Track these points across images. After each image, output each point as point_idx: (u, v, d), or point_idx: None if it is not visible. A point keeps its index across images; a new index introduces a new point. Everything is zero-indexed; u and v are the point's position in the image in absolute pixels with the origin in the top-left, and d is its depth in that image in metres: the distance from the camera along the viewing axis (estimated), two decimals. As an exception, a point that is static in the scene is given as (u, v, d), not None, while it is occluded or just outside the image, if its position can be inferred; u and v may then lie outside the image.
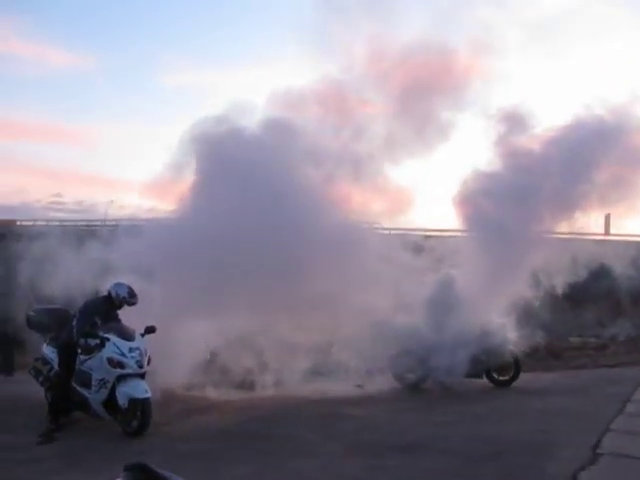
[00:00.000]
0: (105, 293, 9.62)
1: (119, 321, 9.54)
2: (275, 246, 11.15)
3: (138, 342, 8.99)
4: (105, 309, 9.42)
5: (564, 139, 12.90)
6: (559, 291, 12.66)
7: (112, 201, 28.90)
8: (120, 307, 9.56)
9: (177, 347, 10.76)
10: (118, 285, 9.50)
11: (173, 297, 11.02)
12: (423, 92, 13.37)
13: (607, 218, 21.31)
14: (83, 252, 11.72)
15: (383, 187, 13.30)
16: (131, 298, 9.49)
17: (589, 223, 13.82)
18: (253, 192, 11.63)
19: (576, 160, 12.53)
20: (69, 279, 10.85)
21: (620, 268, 13.34)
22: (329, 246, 11.73)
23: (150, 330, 9.22)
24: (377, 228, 13.90)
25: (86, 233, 15.57)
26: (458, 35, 13.48)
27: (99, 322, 9.25)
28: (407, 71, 13.62)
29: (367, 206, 13.44)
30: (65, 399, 9.22)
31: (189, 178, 12.76)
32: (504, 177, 12.84)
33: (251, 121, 12.94)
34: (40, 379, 10.09)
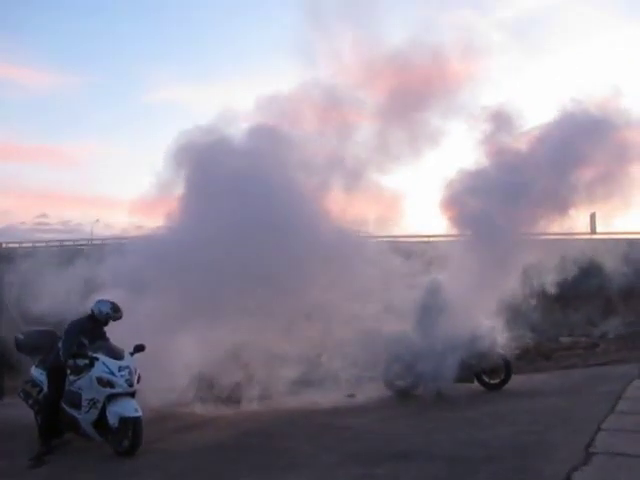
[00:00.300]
0: (89, 312, 9.54)
1: (107, 339, 9.47)
2: (267, 257, 11.16)
3: (127, 361, 8.93)
4: (90, 328, 9.35)
5: (551, 135, 12.97)
6: (548, 291, 12.70)
7: (97, 220, 29.04)
8: (106, 324, 9.50)
9: (167, 363, 10.72)
10: (100, 302, 9.45)
11: (164, 311, 11.01)
12: (411, 97, 13.44)
13: (592, 217, 21.44)
14: (71, 271, 11.67)
15: (375, 195, 13.34)
16: (115, 313, 9.43)
17: (576, 222, 13.90)
18: (244, 203, 11.62)
19: (563, 155, 12.58)
20: (57, 300, 10.80)
21: (611, 265, 13.42)
22: (320, 255, 11.75)
23: (139, 349, 9.18)
24: (369, 236, 13.89)
25: (73, 253, 15.44)
26: (440, 38, 13.53)
27: (86, 342, 9.17)
28: (394, 77, 13.70)
29: (360, 215, 13.47)
30: (55, 421, 9.13)
31: (178, 191, 12.77)
32: (491, 175, 12.89)
33: (239, 130, 13.06)
34: (30, 402, 9.99)
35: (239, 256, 11.12)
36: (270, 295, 11.32)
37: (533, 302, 12.47)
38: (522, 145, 13.31)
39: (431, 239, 17.27)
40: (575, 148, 12.64)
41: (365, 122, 13.79)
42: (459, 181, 13.11)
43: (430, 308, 11.91)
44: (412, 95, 13.47)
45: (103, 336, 9.49)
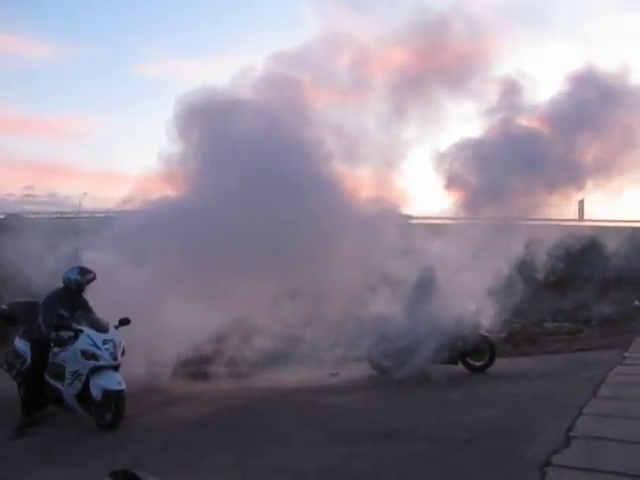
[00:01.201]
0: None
1: (88, 308, 9.42)
2: (279, 220, 11.16)
3: (112, 334, 8.90)
4: (68, 298, 9.30)
5: (562, 103, 12.93)
6: (535, 276, 12.75)
7: (85, 193, 28.65)
8: (80, 290, 9.44)
9: (158, 334, 10.68)
10: (68, 271, 9.41)
11: (163, 280, 10.93)
12: (422, 77, 13.30)
13: (581, 204, 21.61)
14: (61, 244, 11.55)
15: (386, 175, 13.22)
16: (84, 276, 9.38)
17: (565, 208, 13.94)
18: (257, 165, 11.52)
19: (575, 123, 12.51)
20: (49, 271, 10.71)
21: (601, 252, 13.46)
22: (333, 223, 11.71)
23: (124, 322, 9.15)
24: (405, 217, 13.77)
25: (64, 225, 15.25)
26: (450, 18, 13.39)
27: (66, 313, 9.12)
28: (404, 56, 13.54)
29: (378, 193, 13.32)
30: (38, 393, 9.11)
31: (186, 159, 12.56)
32: (499, 145, 12.80)
33: (249, 90, 12.80)
34: (13, 373, 9.96)
35: (251, 218, 11.06)
36: (274, 259, 11.24)
37: (520, 286, 12.49)
38: (534, 115, 13.17)
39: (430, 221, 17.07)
40: (587, 115, 12.54)
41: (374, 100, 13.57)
42: (463, 150, 13.03)
43: (421, 293, 11.90)
44: (421, 74, 13.30)
45: (84, 305, 9.46)
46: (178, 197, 12.44)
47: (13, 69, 70.24)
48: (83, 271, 9.42)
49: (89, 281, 9.45)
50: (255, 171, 11.55)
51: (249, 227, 11.09)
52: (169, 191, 12.85)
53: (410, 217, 14.13)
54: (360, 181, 13.34)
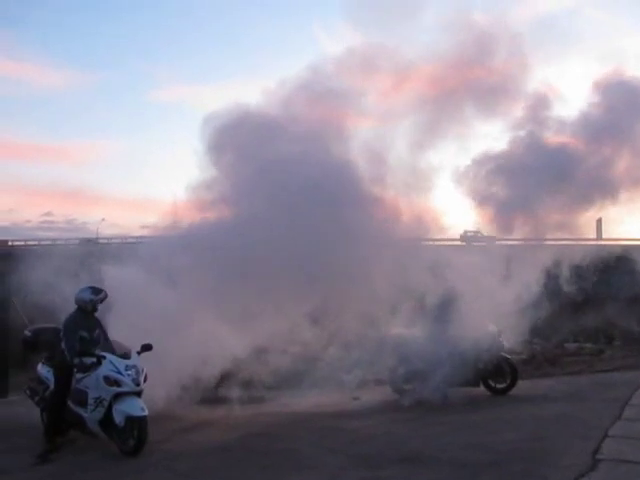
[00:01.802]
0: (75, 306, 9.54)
1: (102, 327, 9.52)
2: (315, 250, 11.17)
3: (134, 360, 8.94)
4: (84, 320, 9.37)
5: (592, 113, 12.83)
6: (556, 296, 12.66)
7: (103, 219, 28.94)
8: (94, 310, 9.49)
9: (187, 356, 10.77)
10: (80, 292, 9.46)
11: (201, 301, 11.00)
12: (457, 96, 13.23)
13: (599, 222, 21.44)
14: (82, 269, 11.61)
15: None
16: (97, 295, 9.43)
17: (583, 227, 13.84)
18: (295, 191, 11.50)
19: (607, 131, 12.48)
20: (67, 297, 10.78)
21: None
22: (365, 253, 11.67)
23: (146, 348, 9.18)
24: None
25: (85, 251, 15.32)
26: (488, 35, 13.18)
27: (86, 335, 9.21)
28: (439, 74, 13.44)
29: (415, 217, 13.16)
30: (61, 419, 9.16)
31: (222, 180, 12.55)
32: (526, 158, 12.68)
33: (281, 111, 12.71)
34: (36, 399, 10.03)
35: (287, 240, 11.09)
36: (310, 281, 11.26)
37: (541, 307, 12.40)
38: (563, 128, 13.12)
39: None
40: (617, 125, 12.47)
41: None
42: (491, 165, 12.89)
43: (442, 314, 11.86)
44: (455, 95, 13.24)
45: (99, 325, 9.53)
46: (213, 220, 12.47)
47: (29, 96, 71.40)
48: (95, 290, 9.49)
49: (102, 300, 9.52)
50: (291, 193, 11.59)
51: (285, 248, 11.13)
52: (201, 215, 12.85)
53: (494, 238, 13.95)
54: (395, 203, 13.25)
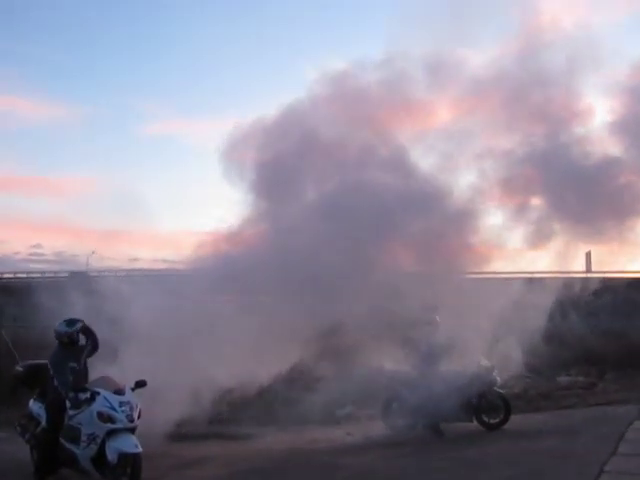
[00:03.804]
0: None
1: (84, 360, 9.44)
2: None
3: (128, 396, 8.85)
4: (70, 352, 9.31)
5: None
6: (546, 330, 12.67)
7: (93, 252, 28.76)
8: (75, 342, 9.42)
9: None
10: (57, 325, 9.43)
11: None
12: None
13: (588, 255, 21.61)
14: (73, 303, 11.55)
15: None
16: (71, 327, 9.36)
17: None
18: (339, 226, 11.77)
19: None
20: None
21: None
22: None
23: (140, 384, 9.11)
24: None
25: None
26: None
27: (76, 365, 9.18)
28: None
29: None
30: (53, 457, 9.03)
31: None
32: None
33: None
34: (27, 436, 9.85)
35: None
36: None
37: (530, 341, 12.41)
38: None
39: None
40: None
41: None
42: None
43: (431, 348, 11.87)
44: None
45: (82, 356, 9.46)
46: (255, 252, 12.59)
47: (19, 130, 71.40)
48: (70, 322, 9.43)
49: (78, 331, 9.44)
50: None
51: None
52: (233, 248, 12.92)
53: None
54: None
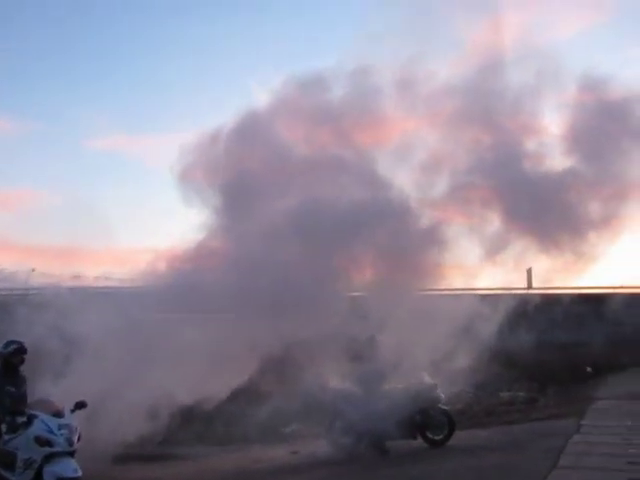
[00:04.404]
0: None
1: (24, 384, 9.13)
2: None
3: (68, 419, 8.55)
4: (9, 376, 9.01)
5: None
6: (487, 346, 12.83)
7: (33, 269, 27.91)
8: (18, 362, 9.10)
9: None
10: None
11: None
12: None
13: (529, 272, 22.06)
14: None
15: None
16: (4, 349, 9.05)
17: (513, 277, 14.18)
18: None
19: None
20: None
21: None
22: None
23: (80, 405, 8.84)
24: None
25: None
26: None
27: (14, 390, 8.84)
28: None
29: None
30: (-15, 484, 8.68)
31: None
32: None
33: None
34: (-42, 462, 9.46)
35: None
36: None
37: (473, 357, 12.55)
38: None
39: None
40: None
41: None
42: None
43: (369, 365, 11.89)
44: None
45: (24, 381, 9.14)
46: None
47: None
48: (7, 344, 9.13)
49: (12, 353, 9.11)
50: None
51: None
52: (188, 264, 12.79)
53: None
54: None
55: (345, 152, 13.24)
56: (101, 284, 14.64)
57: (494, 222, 13.26)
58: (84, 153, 69.48)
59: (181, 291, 11.67)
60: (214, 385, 11.30)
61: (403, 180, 13.24)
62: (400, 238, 12.66)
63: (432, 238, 12.92)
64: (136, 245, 37.16)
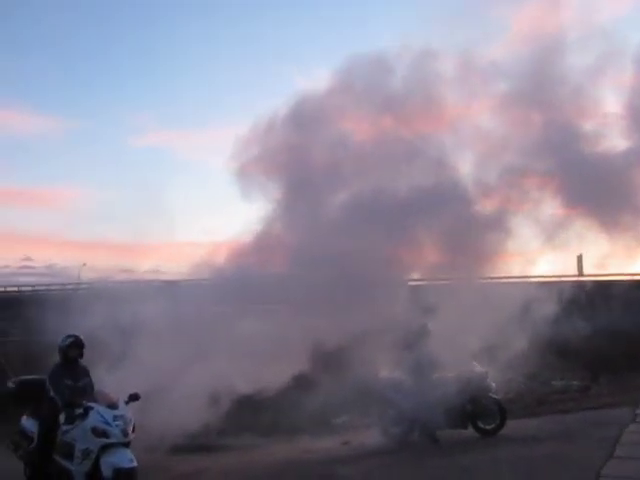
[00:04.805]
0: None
1: (87, 376, 9.36)
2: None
3: (122, 410, 8.77)
4: (68, 369, 9.24)
5: None
6: (540, 334, 12.67)
7: (84, 264, 28.49)
8: (76, 355, 9.34)
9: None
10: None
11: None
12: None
13: (580, 259, 21.70)
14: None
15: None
16: (62, 342, 9.30)
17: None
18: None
19: None
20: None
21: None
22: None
23: (134, 397, 9.03)
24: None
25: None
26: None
27: (71, 383, 9.07)
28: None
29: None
30: (46, 473, 8.93)
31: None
32: None
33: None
34: (19, 453, 9.75)
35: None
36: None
37: (525, 346, 12.40)
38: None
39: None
40: None
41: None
42: None
43: (420, 354, 11.85)
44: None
45: (86, 374, 9.39)
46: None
47: (10, 142, 70.95)
48: (65, 338, 9.36)
49: (68, 346, 9.34)
50: None
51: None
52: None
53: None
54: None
55: (408, 138, 13.09)
56: (152, 277, 14.79)
57: (553, 206, 13.08)
58: (129, 150, 70.68)
59: (240, 284, 11.78)
60: (271, 376, 11.40)
61: (464, 165, 13.14)
62: (462, 224, 12.51)
63: (494, 224, 12.76)
64: (184, 239, 37.66)
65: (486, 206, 13.01)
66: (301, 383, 12.06)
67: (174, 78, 72.86)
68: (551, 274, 17.11)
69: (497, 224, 12.78)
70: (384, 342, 11.88)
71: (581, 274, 22.11)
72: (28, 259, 69.11)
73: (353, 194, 12.67)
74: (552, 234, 12.85)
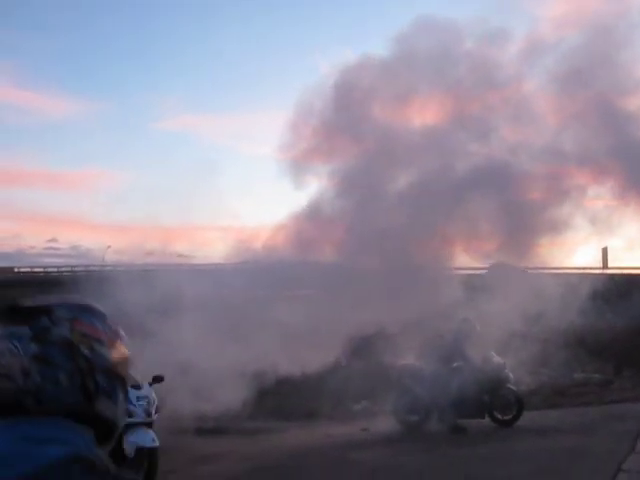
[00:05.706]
0: None
1: None
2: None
3: (146, 391, 8.91)
4: None
5: None
6: (563, 327, 12.60)
7: (109, 246, 28.74)
8: None
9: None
10: None
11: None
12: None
13: (604, 251, 21.46)
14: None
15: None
16: None
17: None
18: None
19: None
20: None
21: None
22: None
23: (158, 379, 9.16)
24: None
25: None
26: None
27: None
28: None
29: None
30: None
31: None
32: None
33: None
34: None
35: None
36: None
37: (547, 338, 12.36)
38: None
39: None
40: None
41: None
42: None
43: (455, 348, 11.84)
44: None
45: None
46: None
47: (35, 125, 71.51)
48: None
49: None
50: None
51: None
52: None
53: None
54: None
55: (465, 117, 13.02)
56: (175, 261, 14.87)
57: (605, 194, 13.04)
58: (155, 134, 70.97)
59: (280, 270, 11.86)
60: (312, 360, 11.51)
61: (519, 148, 13.03)
62: (513, 208, 12.49)
63: (545, 210, 12.74)
64: (208, 224, 37.83)
65: (538, 192, 12.84)
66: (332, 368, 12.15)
67: (196, 62, 72.90)
68: (574, 266, 16.95)
69: (548, 210, 12.71)
70: (421, 330, 11.89)
71: (606, 267, 21.89)
72: (54, 240, 69.96)
73: (414, 175, 12.59)
74: (607, 222, 12.79)
